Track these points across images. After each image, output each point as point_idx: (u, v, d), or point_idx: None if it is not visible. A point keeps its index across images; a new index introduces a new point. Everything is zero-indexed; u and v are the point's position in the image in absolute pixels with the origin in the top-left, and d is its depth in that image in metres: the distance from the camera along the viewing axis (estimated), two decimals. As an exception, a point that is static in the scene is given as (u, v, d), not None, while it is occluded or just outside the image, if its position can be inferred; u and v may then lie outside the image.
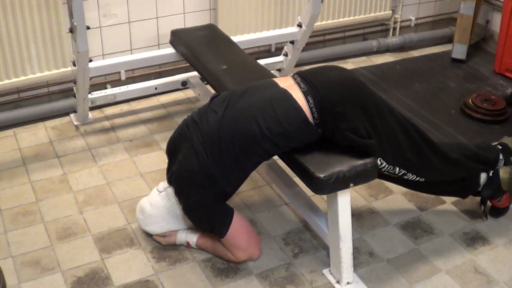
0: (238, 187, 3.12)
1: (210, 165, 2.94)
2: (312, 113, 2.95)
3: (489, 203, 3.58)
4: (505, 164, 3.47)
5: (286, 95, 2.98)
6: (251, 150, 2.94)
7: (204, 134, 2.99)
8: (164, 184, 3.24)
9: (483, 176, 3.47)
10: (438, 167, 3.23)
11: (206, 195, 2.99)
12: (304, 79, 3.05)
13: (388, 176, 3.24)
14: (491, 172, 3.47)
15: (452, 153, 3.27)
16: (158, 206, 3.21)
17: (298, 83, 3.04)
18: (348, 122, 2.94)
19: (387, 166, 3.05)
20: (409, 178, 3.18)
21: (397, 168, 3.09)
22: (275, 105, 2.95)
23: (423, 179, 3.22)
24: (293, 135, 2.95)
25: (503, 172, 3.45)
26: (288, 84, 3.06)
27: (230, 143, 2.93)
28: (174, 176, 3.10)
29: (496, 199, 3.55)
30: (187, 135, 3.06)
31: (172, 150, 3.16)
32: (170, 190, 3.17)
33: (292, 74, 3.16)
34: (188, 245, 3.31)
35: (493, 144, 3.57)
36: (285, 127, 2.91)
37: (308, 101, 2.95)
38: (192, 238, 3.30)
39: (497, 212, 3.62)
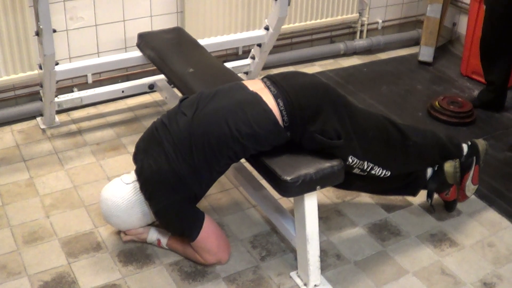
0: (207, 189, 3.11)
1: (180, 167, 2.94)
2: (282, 116, 2.97)
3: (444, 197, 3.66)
4: (466, 157, 3.58)
5: (256, 98, 3.00)
6: (220, 152, 2.95)
7: (174, 136, 2.99)
8: (131, 176, 3.20)
9: (429, 171, 3.54)
10: (404, 160, 3.33)
11: (177, 198, 2.99)
12: (274, 82, 3.07)
13: (353, 179, 3.28)
14: (436, 166, 3.53)
15: (422, 141, 3.37)
16: (124, 198, 3.17)
17: (268, 87, 3.06)
18: (317, 125, 2.97)
19: (357, 162, 3.09)
20: (376, 173, 3.21)
21: (366, 162, 3.13)
22: (245, 108, 2.97)
23: (389, 173, 3.26)
24: (263, 138, 2.96)
25: (448, 166, 3.51)
26: (258, 87, 3.08)
27: (200, 145, 2.94)
28: (144, 180, 3.07)
29: (443, 192, 3.60)
30: (156, 137, 3.05)
31: (140, 153, 3.13)
32: (138, 184, 3.15)
33: (262, 78, 3.18)
34: (158, 244, 3.31)
35: (468, 142, 3.67)
36: (255, 129, 2.92)
37: (278, 104, 2.97)
38: (164, 237, 3.29)
39: (448, 206, 3.67)
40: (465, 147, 3.63)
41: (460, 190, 3.62)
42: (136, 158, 3.16)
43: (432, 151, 3.47)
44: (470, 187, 3.63)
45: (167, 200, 3.00)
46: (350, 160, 3.06)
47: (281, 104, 2.97)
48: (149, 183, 3.06)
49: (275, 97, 2.99)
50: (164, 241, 3.29)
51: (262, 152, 3.03)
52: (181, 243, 3.25)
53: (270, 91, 3.03)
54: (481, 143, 3.68)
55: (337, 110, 3.04)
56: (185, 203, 3.03)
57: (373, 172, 3.20)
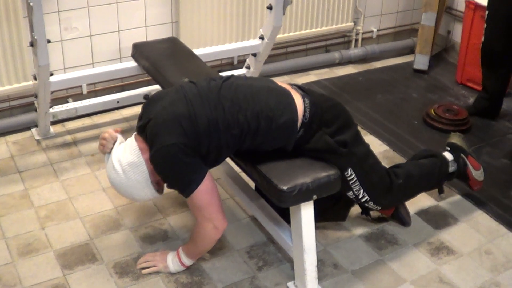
0: (208, 157, 3.01)
1: (198, 115, 2.90)
2: (304, 112, 3.03)
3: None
4: (455, 162, 3.68)
5: (286, 91, 3.09)
6: (228, 126, 2.94)
7: (201, 90, 3.01)
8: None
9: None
10: (395, 198, 3.46)
11: (184, 141, 2.87)
12: (300, 87, 3.18)
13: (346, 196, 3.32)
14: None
15: (410, 179, 3.46)
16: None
17: (295, 88, 3.15)
18: (330, 129, 3.06)
19: (354, 179, 3.16)
20: (363, 199, 3.28)
21: (359, 186, 3.20)
22: (275, 94, 3.05)
23: (380, 207, 3.42)
24: (274, 129, 2.98)
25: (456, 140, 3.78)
26: (286, 85, 3.17)
27: (222, 107, 2.94)
28: (154, 120, 2.95)
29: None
30: (179, 90, 3.05)
31: (154, 102, 3.07)
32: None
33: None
34: (183, 264, 3.23)
35: (446, 147, 3.78)
36: (274, 116, 2.97)
37: (304, 102, 3.05)
38: (179, 253, 3.23)
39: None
40: (448, 155, 3.70)
41: (471, 182, 3.75)
42: (146, 109, 3.09)
43: (420, 184, 3.61)
44: (477, 174, 3.74)
45: (173, 141, 2.87)
46: (349, 172, 3.11)
47: (307, 101, 3.06)
48: (159, 122, 2.93)
49: (302, 96, 3.08)
50: (181, 254, 3.23)
51: (253, 152, 3.08)
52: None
53: (298, 92, 3.12)
54: (455, 138, 3.80)
55: (348, 125, 3.17)
56: (190, 150, 2.90)
57: (360, 198, 3.27)
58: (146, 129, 2.99)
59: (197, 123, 2.89)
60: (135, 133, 3.10)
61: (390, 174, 3.36)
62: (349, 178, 3.14)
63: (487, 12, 4.59)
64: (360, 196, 3.24)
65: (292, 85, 3.20)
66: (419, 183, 3.55)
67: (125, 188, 3.05)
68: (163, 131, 2.90)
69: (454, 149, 3.72)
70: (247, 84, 3.07)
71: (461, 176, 3.74)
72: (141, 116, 3.11)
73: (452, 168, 3.67)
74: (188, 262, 3.23)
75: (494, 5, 4.54)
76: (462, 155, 3.69)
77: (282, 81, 3.23)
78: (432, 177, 3.61)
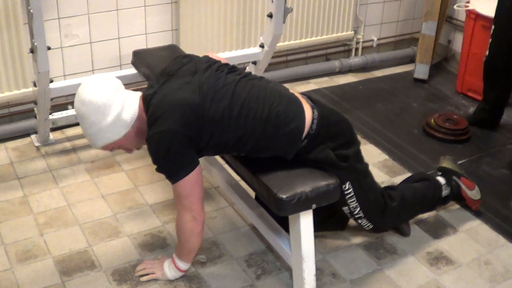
0: (203, 151, 3.01)
1: (207, 108, 2.88)
2: (312, 123, 3.03)
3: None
4: (449, 185, 3.70)
5: (297, 99, 3.09)
6: (238, 125, 2.93)
7: (217, 81, 2.99)
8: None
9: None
10: (388, 221, 3.49)
11: (183, 131, 2.84)
12: (310, 98, 3.18)
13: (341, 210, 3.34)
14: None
15: (399, 205, 3.45)
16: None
17: (305, 99, 3.15)
18: (334, 143, 3.07)
19: (352, 193, 3.17)
20: (357, 215, 3.30)
21: (356, 202, 3.22)
22: (286, 100, 3.04)
23: (372, 226, 3.41)
24: (278, 134, 2.98)
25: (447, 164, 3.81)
26: (297, 94, 3.17)
27: (231, 105, 2.93)
28: (161, 99, 2.91)
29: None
30: (195, 71, 3.03)
31: (165, 75, 3.05)
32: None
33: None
34: (179, 269, 3.22)
35: (438, 172, 3.80)
36: (281, 122, 2.97)
37: (313, 113, 3.05)
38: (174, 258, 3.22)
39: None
40: (440, 179, 3.72)
41: (467, 202, 3.79)
42: (159, 79, 3.07)
43: (415, 208, 3.64)
44: (473, 194, 3.76)
45: (175, 127, 2.83)
46: (347, 186, 3.13)
47: (315, 113, 3.05)
48: (164, 103, 2.89)
49: (312, 108, 3.08)
50: (175, 258, 3.22)
51: (253, 158, 3.09)
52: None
53: (308, 102, 3.12)
54: (445, 162, 3.82)
55: (352, 143, 3.19)
56: (188, 141, 2.88)
57: (355, 213, 3.28)
58: (151, 102, 2.94)
59: (203, 117, 2.87)
60: (141, 94, 3.07)
61: (384, 196, 3.36)
62: (346, 192, 3.15)
63: (493, 27, 4.58)
64: (355, 212, 3.25)
65: (303, 95, 3.20)
66: (413, 207, 3.58)
67: (89, 124, 2.95)
68: (166, 115, 2.85)
69: (445, 173, 3.74)
70: (262, 86, 3.06)
71: (456, 199, 3.79)
72: (151, 85, 3.06)
73: (445, 192, 3.69)
74: (183, 265, 3.20)
75: (500, 22, 4.53)
76: (454, 177, 3.72)
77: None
78: (426, 201, 3.63)
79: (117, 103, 2.91)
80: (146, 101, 2.97)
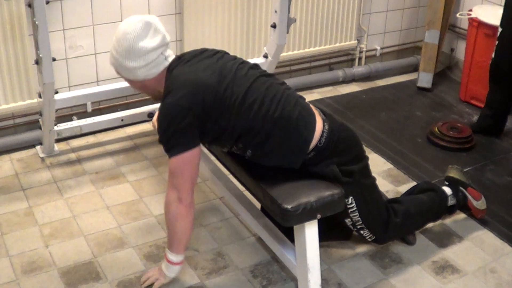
0: (206, 135, 3.04)
1: (223, 93, 2.93)
2: (321, 137, 3.04)
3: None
4: (455, 196, 3.71)
5: (311, 110, 3.12)
6: (248, 116, 2.97)
7: (237, 72, 3.04)
8: None
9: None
10: (391, 235, 3.48)
11: (194, 110, 2.89)
12: (323, 112, 3.20)
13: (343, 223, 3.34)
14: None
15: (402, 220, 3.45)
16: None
17: (318, 111, 3.17)
18: (340, 159, 3.09)
19: (354, 208, 3.19)
20: (359, 227, 3.31)
21: (358, 216, 3.23)
22: (299, 108, 3.06)
23: (374, 237, 3.40)
24: (288, 139, 3.01)
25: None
26: (312, 106, 3.19)
27: (249, 98, 2.97)
28: (182, 74, 3.00)
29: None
30: (221, 58, 3.12)
31: (186, 60, 3.12)
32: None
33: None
34: (171, 262, 3.18)
35: (445, 182, 3.81)
36: (291, 128, 3.00)
37: (324, 126, 3.07)
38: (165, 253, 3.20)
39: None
40: (447, 190, 3.72)
41: (473, 212, 3.80)
42: (190, 53, 3.18)
43: (418, 222, 3.65)
44: (479, 204, 3.77)
45: (187, 104, 2.89)
46: (349, 200, 3.14)
47: (326, 127, 3.07)
48: (182, 80, 2.97)
49: (323, 121, 3.09)
50: (166, 252, 3.18)
51: (258, 167, 3.11)
52: None
53: (320, 115, 3.13)
54: (453, 171, 3.81)
55: (360, 159, 3.19)
56: (196, 120, 2.91)
57: (358, 225, 3.29)
58: (173, 72, 3.04)
59: (216, 98, 2.92)
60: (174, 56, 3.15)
61: (389, 211, 3.37)
62: (349, 206, 3.16)
63: (500, 30, 4.58)
64: (357, 224, 3.26)
65: (316, 107, 3.21)
66: (416, 222, 3.60)
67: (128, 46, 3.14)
68: (183, 89, 2.93)
69: (452, 183, 3.75)
70: (280, 88, 3.08)
71: (462, 208, 3.81)
72: (180, 56, 3.16)
73: (451, 202, 3.70)
74: (173, 257, 3.14)
75: (506, 26, 4.54)
76: (461, 188, 3.73)
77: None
78: (430, 214, 3.64)
79: (144, 59, 3.06)
80: (170, 69, 3.07)
